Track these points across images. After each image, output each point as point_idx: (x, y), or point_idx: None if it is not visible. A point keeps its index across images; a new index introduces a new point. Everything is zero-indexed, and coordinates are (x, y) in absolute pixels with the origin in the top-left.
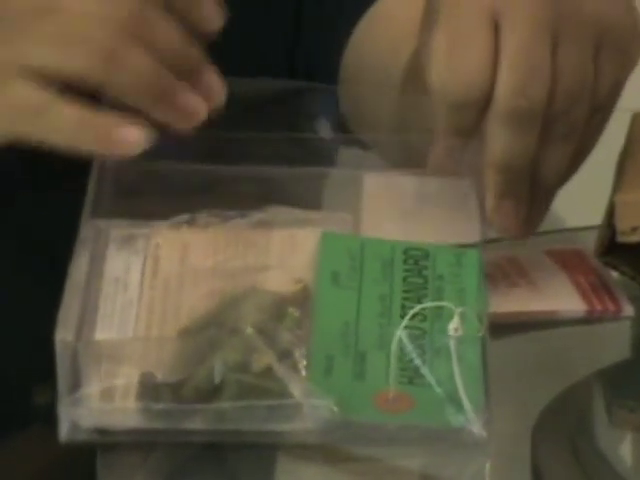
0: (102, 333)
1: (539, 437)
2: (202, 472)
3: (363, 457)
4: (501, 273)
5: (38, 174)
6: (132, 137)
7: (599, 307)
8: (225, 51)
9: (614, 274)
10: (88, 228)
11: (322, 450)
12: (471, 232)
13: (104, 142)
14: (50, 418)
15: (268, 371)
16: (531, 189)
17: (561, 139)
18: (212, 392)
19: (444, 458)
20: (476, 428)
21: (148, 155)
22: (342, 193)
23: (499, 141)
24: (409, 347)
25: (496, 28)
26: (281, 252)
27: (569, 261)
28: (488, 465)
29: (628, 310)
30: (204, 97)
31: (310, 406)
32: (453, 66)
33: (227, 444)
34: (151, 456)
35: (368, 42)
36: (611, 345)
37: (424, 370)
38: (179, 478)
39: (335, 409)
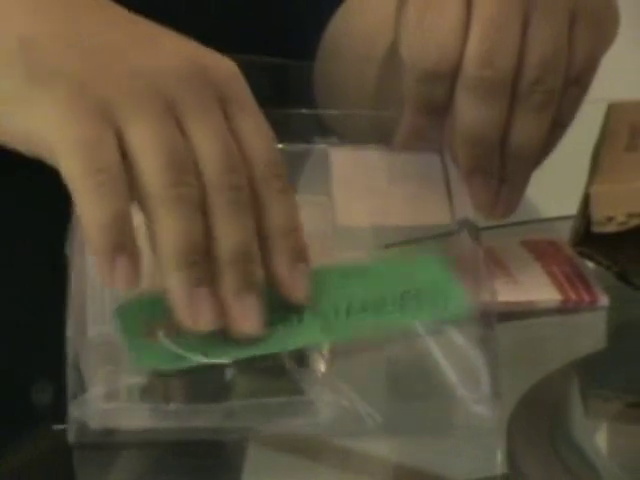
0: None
1: (515, 427)
2: (173, 469)
3: (372, 451)
4: None
5: None
6: None
7: (574, 297)
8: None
9: (589, 264)
10: None
11: (329, 447)
12: (441, 210)
13: None
14: (44, 417)
15: (277, 365)
16: (508, 164)
17: (536, 109)
18: (222, 390)
19: (455, 448)
20: (488, 413)
21: None
22: (311, 171)
23: (466, 112)
24: None
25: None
26: None
27: (544, 251)
28: (500, 452)
29: (603, 300)
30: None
31: (322, 402)
32: (423, 36)
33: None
34: (124, 454)
35: (344, 33)
36: (586, 335)
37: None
38: (152, 475)
39: (347, 404)
